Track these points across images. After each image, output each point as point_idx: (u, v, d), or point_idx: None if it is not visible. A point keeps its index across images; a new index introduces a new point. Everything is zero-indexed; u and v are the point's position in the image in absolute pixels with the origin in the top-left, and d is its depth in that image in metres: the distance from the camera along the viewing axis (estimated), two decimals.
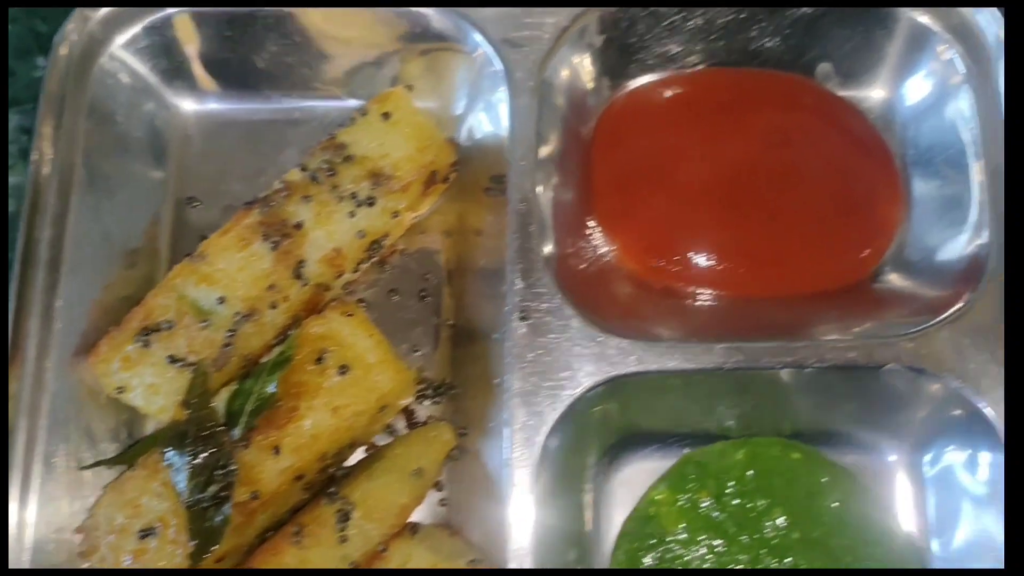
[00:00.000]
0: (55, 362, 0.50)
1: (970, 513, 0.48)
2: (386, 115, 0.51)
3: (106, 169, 0.52)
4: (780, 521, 0.49)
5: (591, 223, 0.53)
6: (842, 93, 0.55)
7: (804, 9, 0.53)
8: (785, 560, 0.48)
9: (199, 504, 0.45)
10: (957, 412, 0.47)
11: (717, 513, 0.49)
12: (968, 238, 0.50)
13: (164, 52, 0.53)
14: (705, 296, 0.52)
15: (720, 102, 0.54)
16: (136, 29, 0.53)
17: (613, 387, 0.48)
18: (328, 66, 0.55)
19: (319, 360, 0.47)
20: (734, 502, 0.50)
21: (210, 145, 0.56)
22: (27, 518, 0.47)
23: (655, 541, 0.49)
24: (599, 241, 0.53)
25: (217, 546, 0.45)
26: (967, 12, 0.51)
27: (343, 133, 0.51)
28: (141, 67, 0.53)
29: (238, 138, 0.55)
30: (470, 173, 0.54)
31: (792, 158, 0.54)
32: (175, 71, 0.54)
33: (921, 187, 0.53)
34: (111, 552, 0.45)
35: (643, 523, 0.50)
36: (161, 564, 0.43)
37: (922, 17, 0.51)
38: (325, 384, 0.46)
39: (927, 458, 0.50)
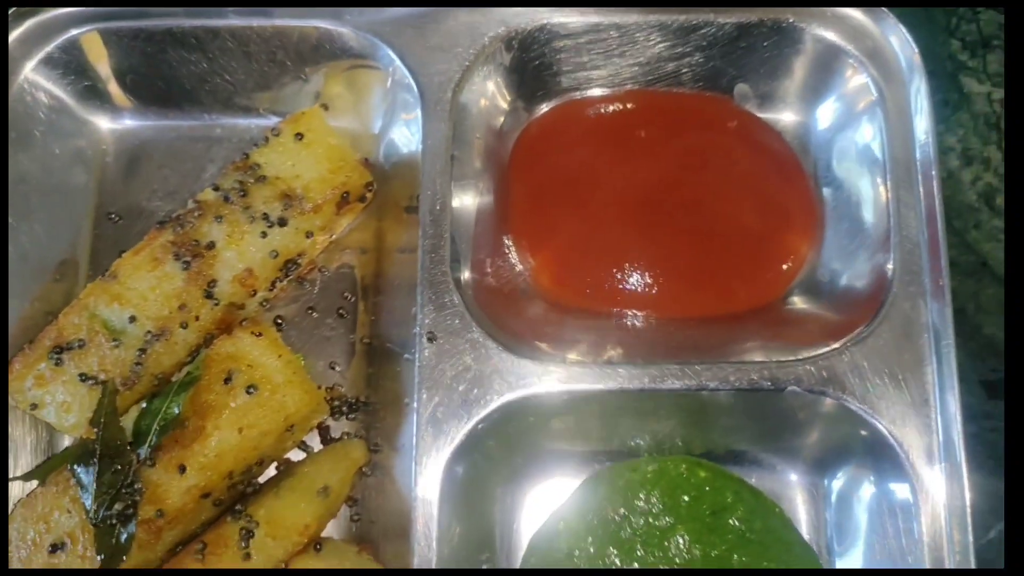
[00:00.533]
0: None
1: (869, 527, 0.48)
2: (299, 135, 0.51)
3: (27, 186, 0.51)
4: (683, 540, 0.50)
5: (508, 242, 0.54)
6: (760, 114, 0.54)
7: (721, 26, 0.54)
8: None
9: (106, 521, 0.45)
10: (857, 432, 0.47)
11: (625, 531, 0.50)
12: (873, 262, 0.50)
13: (77, 71, 0.53)
14: (618, 316, 0.52)
15: (638, 123, 0.54)
16: (48, 48, 0.51)
17: (520, 407, 0.48)
18: (249, 83, 0.55)
19: (227, 380, 0.47)
20: (641, 520, 0.51)
21: (131, 162, 0.56)
22: None
23: (562, 556, 0.50)
24: (516, 260, 0.54)
25: (123, 561, 0.45)
26: (880, 35, 0.51)
27: (256, 153, 0.51)
28: (56, 88, 0.53)
29: (159, 155, 0.55)
30: (390, 191, 0.54)
31: (709, 179, 0.54)
32: (90, 90, 0.54)
33: (832, 209, 0.53)
34: (23, 566, 0.45)
35: (550, 538, 0.50)
36: None
37: (833, 37, 0.51)
38: (232, 404, 0.46)
39: (828, 476, 0.51)
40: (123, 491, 0.45)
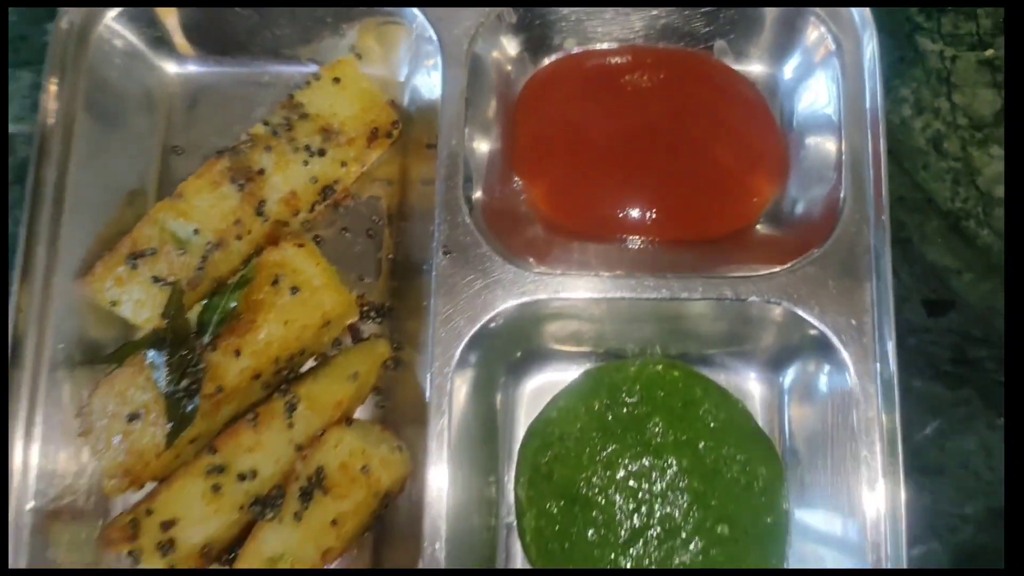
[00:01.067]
0: (60, 281, 0.59)
1: (815, 416, 0.56)
2: (336, 80, 0.59)
3: (104, 122, 0.59)
4: (658, 426, 0.58)
5: (513, 174, 0.62)
6: (736, 67, 0.62)
7: None
8: (662, 456, 0.57)
9: (175, 395, 0.53)
10: (807, 336, 0.54)
11: (609, 417, 0.59)
12: (828, 195, 0.57)
13: (149, 23, 0.61)
14: (606, 239, 0.60)
15: (628, 74, 0.60)
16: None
17: (519, 311, 0.55)
18: (294, 36, 0.62)
19: (274, 282, 0.55)
20: (623, 410, 0.59)
21: (192, 102, 0.64)
22: (36, 419, 0.58)
23: (555, 439, 0.58)
24: (519, 189, 0.62)
25: (188, 429, 0.55)
26: None
27: (300, 94, 0.59)
28: (131, 36, 0.61)
29: (218, 96, 0.63)
30: (413, 131, 0.62)
31: (690, 123, 0.60)
32: (159, 40, 0.62)
33: (796, 149, 0.60)
34: (104, 433, 0.54)
35: (546, 424, 0.58)
36: (144, 442, 0.53)
37: None
38: (278, 302, 0.55)
39: (782, 374, 0.58)
40: (189, 371, 0.54)
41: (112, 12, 0.59)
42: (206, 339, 0.54)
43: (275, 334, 0.54)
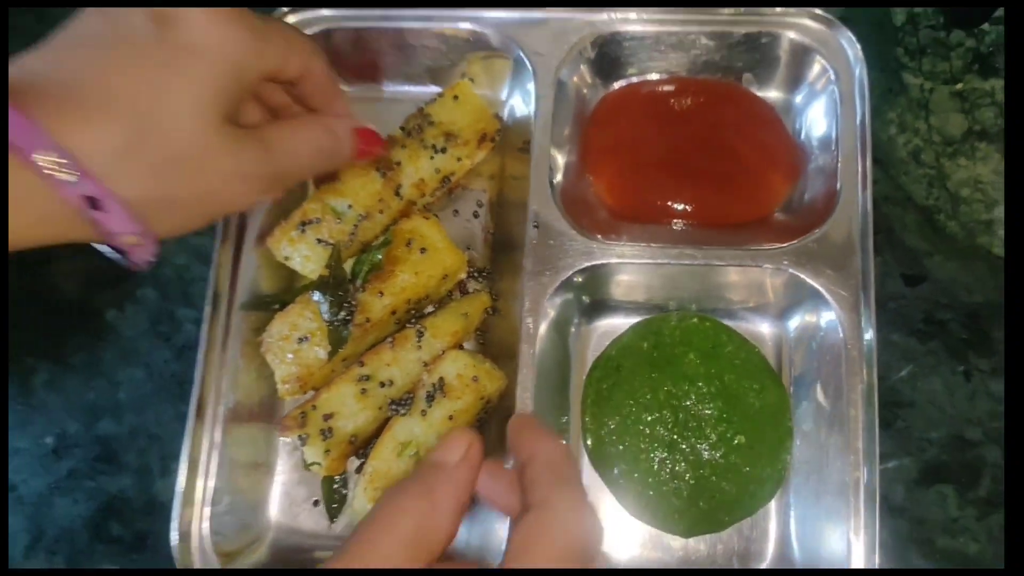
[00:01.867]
0: (247, 243, 0.79)
1: (816, 359, 0.70)
2: (455, 97, 0.76)
3: None
4: (693, 362, 0.75)
5: (588, 176, 0.81)
6: (759, 93, 0.79)
7: (736, 34, 0.78)
8: (695, 383, 0.73)
9: (334, 324, 0.69)
10: (807, 294, 0.69)
11: (655, 354, 0.75)
12: (827, 190, 0.72)
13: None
14: (655, 222, 0.76)
15: (676, 98, 0.77)
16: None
17: (591, 271, 0.70)
18: (422, 64, 0.79)
19: (408, 244, 0.71)
20: (666, 350, 0.75)
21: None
22: (227, 348, 0.73)
23: (612, 370, 0.75)
24: (590, 183, 0.80)
25: (343, 349, 0.73)
26: (835, 39, 0.74)
27: (428, 107, 0.76)
28: None
29: (364, 108, 0.77)
30: (509, 138, 0.78)
31: (723, 136, 0.77)
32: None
33: (806, 156, 0.77)
34: (280, 350, 0.73)
35: (607, 359, 0.73)
36: (311, 358, 0.68)
37: (807, 41, 0.73)
38: (411, 258, 0.70)
39: (787, 323, 0.73)
40: (344, 306, 0.72)
41: None
42: (358, 283, 0.73)
43: (408, 281, 0.71)
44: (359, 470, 0.72)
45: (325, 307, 0.70)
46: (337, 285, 0.71)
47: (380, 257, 0.72)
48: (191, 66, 0.47)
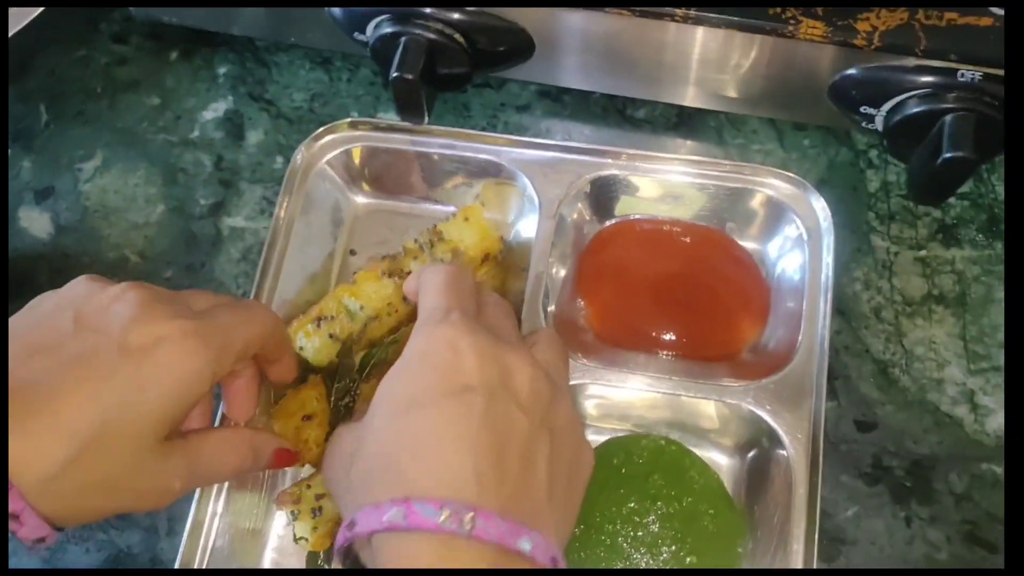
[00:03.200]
0: None
1: (765, 486, 0.77)
2: (466, 218, 0.85)
3: (309, 227, 0.83)
4: (657, 482, 0.81)
5: (577, 296, 0.89)
6: (739, 240, 0.89)
7: (724, 188, 0.89)
8: (656, 502, 0.80)
9: (337, 407, 0.74)
10: (762, 430, 0.77)
11: (623, 471, 0.82)
12: (791, 336, 0.80)
13: (348, 167, 0.86)
14: (636, 349, 0.85)
15: (663, 237, 0.86)
16: (335, 152, 0.88)
17: (574, 389, 0.82)
18: (438, 186, 0.88)
19: None
20: (634, 468, 0.82)
21: (368, 221, 0.88)
22: None
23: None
24: (581, 308, 0.89)
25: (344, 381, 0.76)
26: (807, 200, 0.82)
27: (441, 226, 0.83)
28: (335, 173, 0.86)
29: (383, 219, 0.87)
30: (512, 258, 0.85)
31: (703, 276, 0.85)
32: (354, 178, 0.87)
33: (775, 302, 0.85)
34: (287, 430, 0.80)
35: None
36: (313, 435, 0.73)
37: (782, 199, 0.83)
38: None
39: (746, 456, 0.79)
40: (349, 394, 0.77)
41: (329, 154, 0.90)
42: (365, 374, 0.81)
43: None
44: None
45: (332, 391, 0.78)
46: (344, 374, 0.79)
47: (389, 353, 0.80)
48: (145, 398, 0.48)
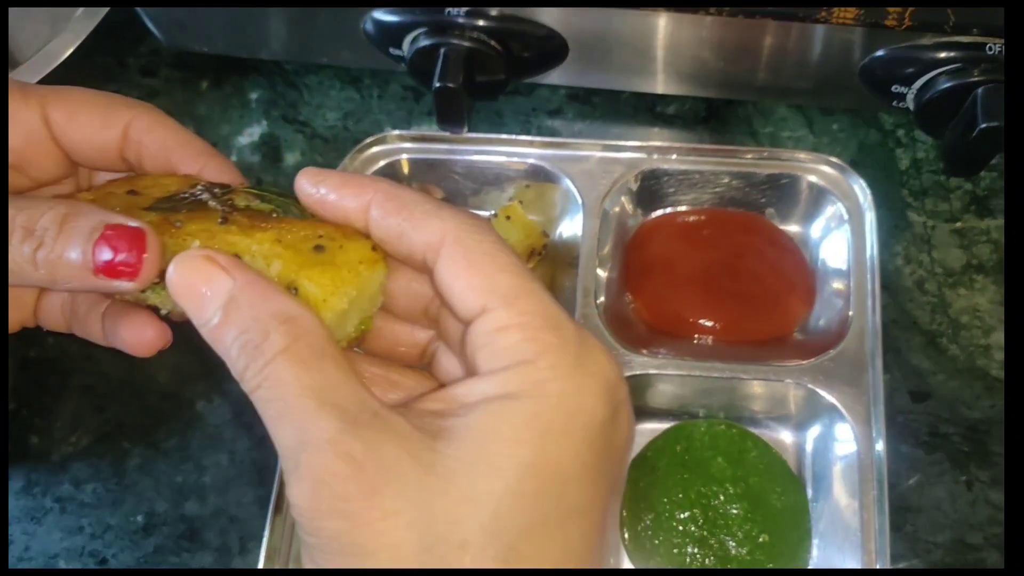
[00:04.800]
0: None
1: (828, 461, 0.79)
2: (507, 216, 0.87)
3: None
4: (720, 466, 0.83)
5: (627, 294, 0.91)
6: (780, 225, 0.91)
7: (761, 175, 0.91)
8: (723, 485, 0.81)
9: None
10: (822, 406, 0.79)
11: (686, 457, 0.84)
12: (841, 315, 0.83)
13: (395, 179, 0.91)
14: (686, 338, 0.87)
15: (705, 226, 0.88)
16: (381, 164, 0.89)
17: (631, 381, 0.82)
18: (482, 192, 0.89)
19: None
20: (696, 454, 0.84)
21: None
22: None
23: (648, 470, 0.82)
24: (628, 300, 0.90)
25: None
26: (848, 184, 0.86)
27: None
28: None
29: None
30: (559, 253, 0.88)
31: (747, 262, 0.88)
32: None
33: (821, 284, 0.88)
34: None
35: (642, 460, 0.83)
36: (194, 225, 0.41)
37: (823, 184, 0.87)
38: None
39: (806, 433, 0.81)
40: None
41: (372, 168, 0.91)
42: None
43: None
44: None
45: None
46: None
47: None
48: None
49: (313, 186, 0.39)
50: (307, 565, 0.34)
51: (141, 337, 0.42)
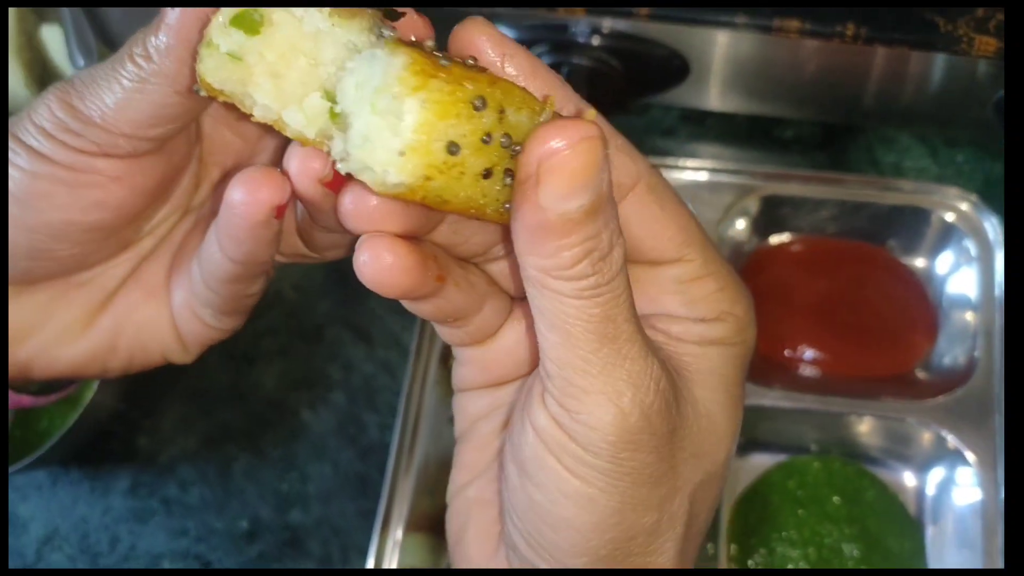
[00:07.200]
0: (433, 360, 0.90)
1: (949, 505, 0.77)
2: None
3: None
4: (835, 504, 0.81)
5: None
6: (902, 259, 0.89)
7: (883, 207, 0.89)
8: (838, 524, 0.79)
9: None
10: (946, 449, 0.76)
11: (799, 494, 0.82)
12: (967, 354, 0.80)
13: None
14: (806, 372, 0.85)
15: (824, 256, 0.87)
16: None
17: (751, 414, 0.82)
18: None
19: None
20: (809, 489, 0.82)
21: None
22: None
23: (759, 505, 0.81)
24: None
25: None
26: (978, 219, 0.84)
27: None
28: None
29: None
30: None
31: (866, 295, 0.86)
32: None
33: (944, 321, 0.85)
34: None
35: (753, 494, 0.81)
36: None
37: (951, 219, 0.85)
38: None
39: (927, 475, 0.79)
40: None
41: None
42: None
43: None
44: None
45: None
46: None
47: None
48: None
49: (497, 54, 0.35)
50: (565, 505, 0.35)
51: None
